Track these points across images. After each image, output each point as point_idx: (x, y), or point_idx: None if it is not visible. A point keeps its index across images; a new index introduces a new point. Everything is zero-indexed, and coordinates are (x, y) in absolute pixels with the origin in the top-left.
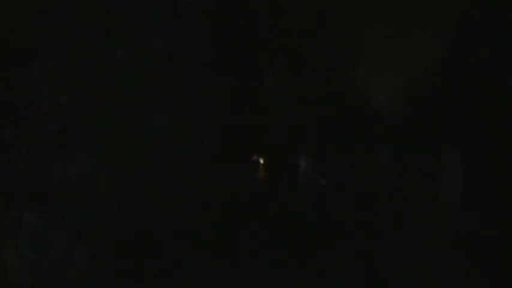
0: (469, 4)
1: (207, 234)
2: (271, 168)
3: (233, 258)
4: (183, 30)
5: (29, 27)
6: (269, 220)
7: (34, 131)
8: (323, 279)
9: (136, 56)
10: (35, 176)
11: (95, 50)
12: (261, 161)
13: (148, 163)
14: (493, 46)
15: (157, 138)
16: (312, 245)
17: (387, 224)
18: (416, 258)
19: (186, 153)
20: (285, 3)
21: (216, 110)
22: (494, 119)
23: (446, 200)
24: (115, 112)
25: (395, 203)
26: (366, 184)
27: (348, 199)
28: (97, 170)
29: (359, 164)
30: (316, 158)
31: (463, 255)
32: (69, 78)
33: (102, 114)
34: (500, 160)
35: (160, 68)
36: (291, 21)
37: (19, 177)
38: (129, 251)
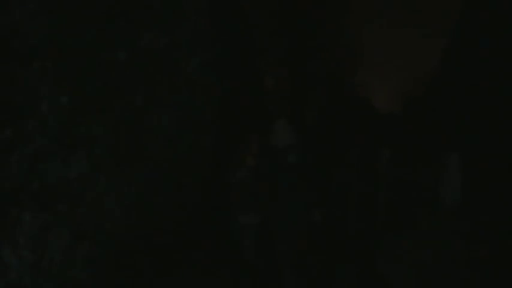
0: (469, 5)
1: (207, 234)
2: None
3: (233, 259)
4: (183, 30)
5: (29, 27)
6: (268, 219)
7: (34, 131)
8: (322, 280)
9: (137, 56)
10: (34, 176)
11: (95, 50)
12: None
13: (148, 163)
14: (494, 46)
15: (157, 139)
16: (312, 245)
17: (387, 225)
18: (416, 260)
19: (186, 153)
20: (285, 3)
21: (216, 110)
22: (495, 119)
23: (446, 200)
24: (115, 112)
25: (395, 203)
26: (365, 185)
27: (347, 200)
28: (97, 171)
29: (358, 165)
30: (316, 158)
31: (463, 257)
32: (69, 78)
33: (102, 114)
34: (500, 160)
35: (160, 68)
36: (291, 21)
37: (18, 177)
38: (129, 252)
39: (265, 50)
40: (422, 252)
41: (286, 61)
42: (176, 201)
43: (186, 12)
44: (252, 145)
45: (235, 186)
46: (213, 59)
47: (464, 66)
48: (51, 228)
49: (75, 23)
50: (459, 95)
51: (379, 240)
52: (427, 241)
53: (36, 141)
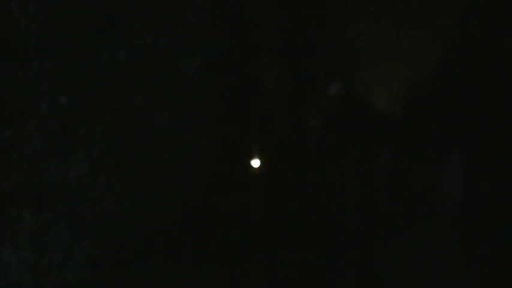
0: (469, 4)
1: (207, 234)
2: (269, 170)
3: (233, 259)
4: (183, 30)
5: (29, 27)
6: (269, 220)
7: (34, 131)
8: (323, 280)
9: (137, 56)
10: (34, 176)
11: (95, 50)
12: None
13: (148, 164)
14: (493, 46)
15: (157, 139)
16: (312, 246)
17: (387, 225)
18: (416, 260)
19: (185, 153)
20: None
21: (216, 110)
22: (495, 119)
23: (446, 200)
24: (115, 112)
25: (395, 204)
26: (365, 185)
27: (348, 200)
28: (97, 171)
29: (359, 165)
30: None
31: (463, 257)
32: (69, 78)
33: (102, 114)
34: (500, 160)
35: (160, 68)
36: (291, 21)
37: (18, 177)
38: (129, 251)
39: (265, 50)
40: (422, 252)
41: (286, 61)
42: (176, 201)
43: (186, 12)
44: None
45: None
46: (213, 59)
47: (464, 66)
48: (51, 228)
49: (75, 23)
50: (459, 95)
51: (379, 240)
52: (427, 241)
53: (36, 141)
